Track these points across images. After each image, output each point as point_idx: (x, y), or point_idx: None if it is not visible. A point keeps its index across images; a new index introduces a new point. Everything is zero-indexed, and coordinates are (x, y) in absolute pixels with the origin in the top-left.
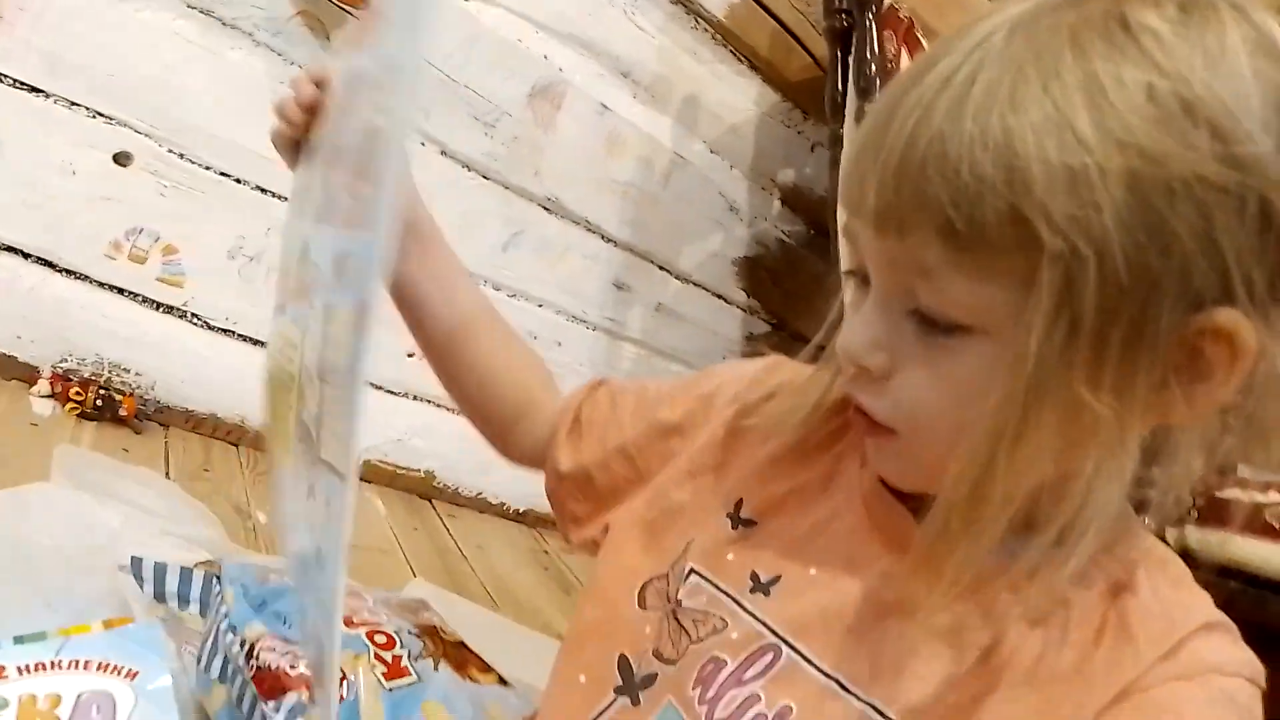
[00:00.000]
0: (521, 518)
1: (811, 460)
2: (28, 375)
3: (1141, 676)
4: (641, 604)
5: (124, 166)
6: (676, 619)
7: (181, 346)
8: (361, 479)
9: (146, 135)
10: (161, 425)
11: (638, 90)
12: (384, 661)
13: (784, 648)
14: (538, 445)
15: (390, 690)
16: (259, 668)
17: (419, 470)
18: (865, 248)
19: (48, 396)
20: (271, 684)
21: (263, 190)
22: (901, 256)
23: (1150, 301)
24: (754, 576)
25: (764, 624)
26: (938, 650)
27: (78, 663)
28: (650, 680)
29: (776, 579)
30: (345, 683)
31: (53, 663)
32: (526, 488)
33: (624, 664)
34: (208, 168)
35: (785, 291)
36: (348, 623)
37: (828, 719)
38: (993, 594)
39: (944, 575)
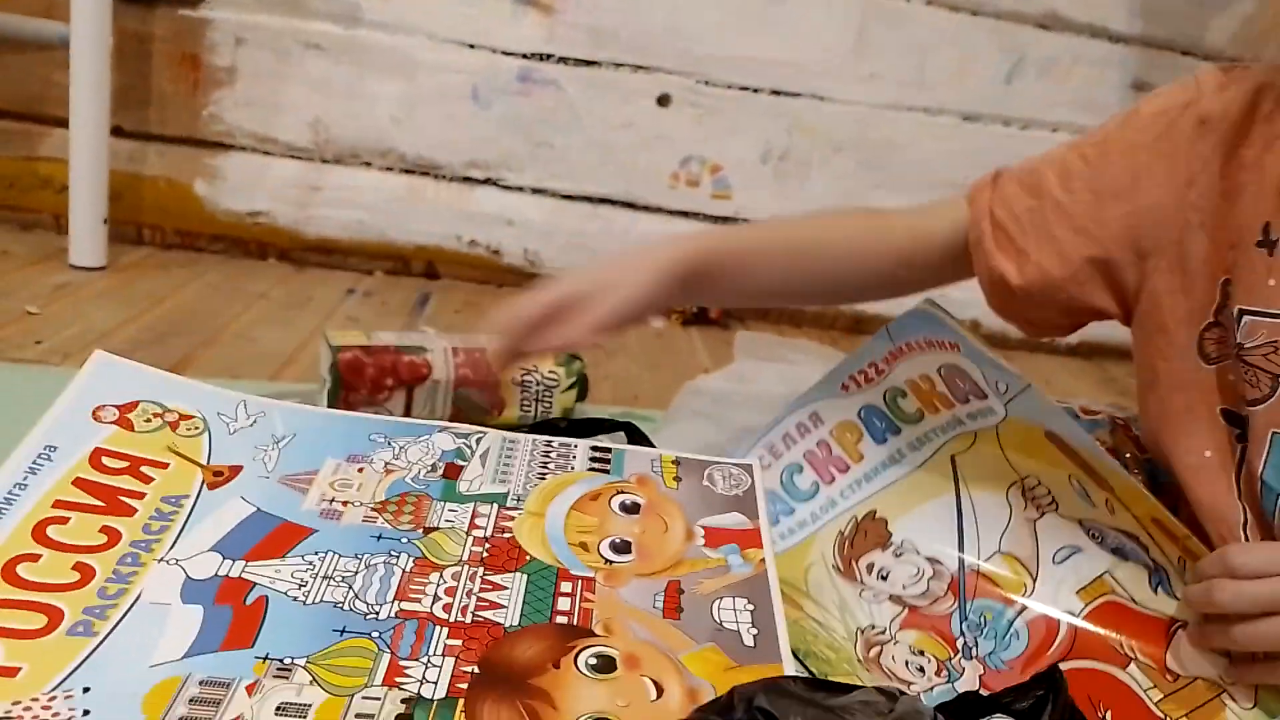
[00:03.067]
0: None
1: None
2: None
3: None
4: (1206, 360)
5: (665, 107)
6: (1246, 362)
7: None
8: None
9: (677, 74)
10: (739, 320)
11: None
12: None
13: None
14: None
15: None
16: None
17: None
18: None
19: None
20: None
21: (776, 93)
22: None
23: None
24: None
25: None
26: None
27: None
28: (1243, 423)
29: None
30: None
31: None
32: None
33: (1225, 416)
34: (728, 86)
35: None
36: None
37: None
38: None
39: None
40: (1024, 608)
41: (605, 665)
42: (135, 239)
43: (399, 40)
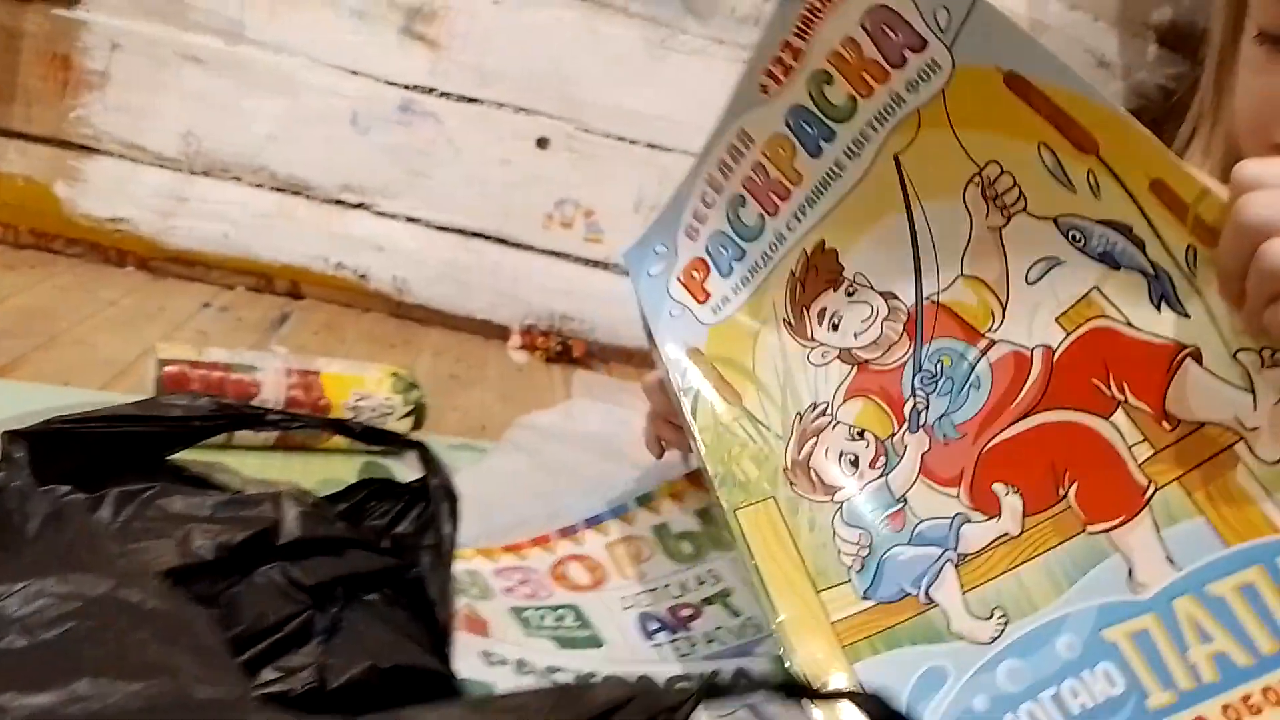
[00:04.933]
0: None
1: None
2: (503, 334)
3: None
4: None
5: (544, 149)
6: None
7: (609, 294)
8: None
9: (558, 119)
10: (603, 361)
11: None
12: None
13: None
14: None
15: None
16: None
17: None
18: None
19: (521, 349)
20: None
21: (651, 145)
22: None
23: None
24: None
25: None
26: None
27: None
28: None
29: None
30: None
31: None
32: None
33: None
34: (606, 135)
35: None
36: None
37: None
38: None
39: None
40: (990, 344)
41: None
42: None
43: (281, 60)
